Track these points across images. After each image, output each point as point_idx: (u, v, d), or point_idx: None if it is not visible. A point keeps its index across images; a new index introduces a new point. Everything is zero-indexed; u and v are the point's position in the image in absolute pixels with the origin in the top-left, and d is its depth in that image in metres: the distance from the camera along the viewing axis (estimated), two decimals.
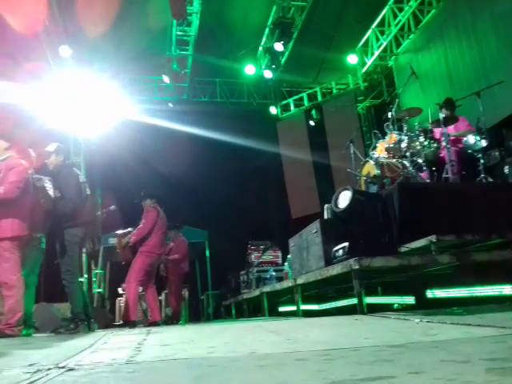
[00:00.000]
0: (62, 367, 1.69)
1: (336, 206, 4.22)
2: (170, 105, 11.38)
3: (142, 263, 5.85)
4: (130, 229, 6.17)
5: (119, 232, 6.08)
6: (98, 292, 9.21)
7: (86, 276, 8.52)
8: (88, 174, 9.20)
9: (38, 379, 1.48)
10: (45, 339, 3.94)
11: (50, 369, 1.66)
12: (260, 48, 10.97)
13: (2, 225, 3.98)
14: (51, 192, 4.46)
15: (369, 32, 10.83)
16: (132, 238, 5.87)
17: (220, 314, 10.45)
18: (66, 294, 4.69)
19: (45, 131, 4.03)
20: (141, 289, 6.22)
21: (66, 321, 4.70)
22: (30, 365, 1.79)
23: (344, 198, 4.16)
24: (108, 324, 6.44)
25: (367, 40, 11.04)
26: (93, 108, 9.36)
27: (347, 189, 4.19)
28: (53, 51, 8.57)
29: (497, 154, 5.57)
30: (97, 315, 6.11)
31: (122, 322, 5.81)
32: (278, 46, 9.96)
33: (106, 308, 8.80)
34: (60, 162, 4.78)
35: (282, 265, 8.54)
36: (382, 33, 10.52)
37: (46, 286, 6.31)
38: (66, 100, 8.96)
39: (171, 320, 7.63)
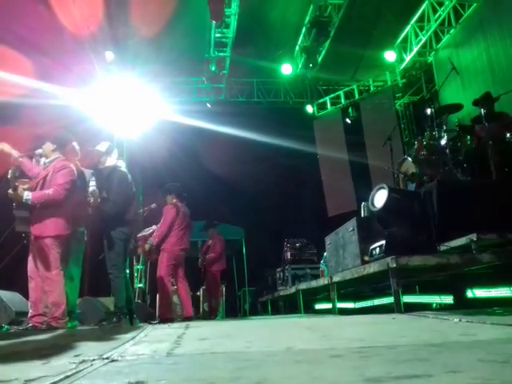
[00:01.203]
0: (106, 358, 1.76)
1: (373, 205, 4.17)
2: (208, 105, 11.53)
3: (166, 260, 5.86)
4: (153, 227, 6.19)
5: (140, 235, 6.09)
6: (139, 287, 9.43)
7: (128, 271, 8.75)
8: (130, 173, 9.45)
9: (84, 369, 1.54)
10: (89, 331, 4.09)
11: (94, 360, 1.73)
12: (297, 47, 10.92)
13: (47, 223, 4.13)
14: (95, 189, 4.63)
15: (408, 28, 10.59)
16: (154, 240, 5.87)
17: (256, 310, 10.51)
18: (109, 288, 4.82)
19: (92, 132, 4.17)
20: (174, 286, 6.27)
21: (109, 314, 4.84)
22: (76, 355, 1.87)
23: (380, 197, 4.10)
24: (148, 318, 6.58)
25: (406, 36, 10.80)
26: (134, 110, 9.61)
27: (383, 187, 4.12)
28: (98, 56, 8.85)
29: None
30: (138, 310, 6.25)
31: (159, 320, 5.85)
32: (313, 44, 9.88)
33: (146, 303, 9.00)
34: (111, 162, 4.93)
35: (318, 262, 8.50)
36: (422, 28, 10.27)
37: (91, 281, 6.50)
38: (110, 102, 9.25)
39: (208, 315, 7.72)
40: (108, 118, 9.32)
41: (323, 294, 6.13)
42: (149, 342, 2.48)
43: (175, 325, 4.38)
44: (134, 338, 2.64)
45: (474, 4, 9.00)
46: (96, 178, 4.86)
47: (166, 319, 5.50)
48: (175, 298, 6.83)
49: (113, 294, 4.82)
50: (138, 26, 8.21)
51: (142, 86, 9.68)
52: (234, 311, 10.51)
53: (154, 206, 6.18)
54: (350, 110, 12.15)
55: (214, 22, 8.66)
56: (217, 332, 2.93)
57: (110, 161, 4.94)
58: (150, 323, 5.26)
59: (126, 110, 9.54)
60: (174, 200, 6.18)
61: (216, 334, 2.73)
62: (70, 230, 4.29)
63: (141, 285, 9.56)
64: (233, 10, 9.01)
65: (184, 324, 4.09)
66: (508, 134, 5.53)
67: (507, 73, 7.93)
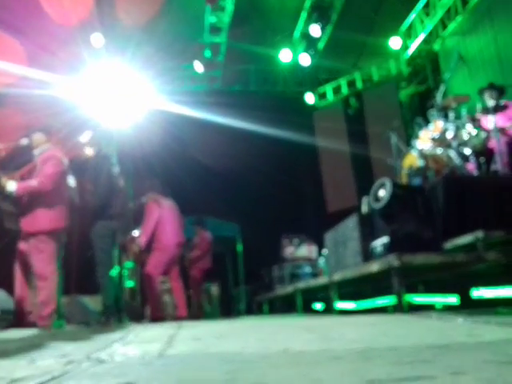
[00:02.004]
0: (94, 359, 1.76)
1: (375, 200, 4.18)
2: (202, 95, 11.48)
3: (158, 258, 5.86)
4: (136, 231, 6.19)
5: (129, 237, 6.07)
6: (129, 286, 9.43)
7: (117, 269, 8.75)
8: (120, 165, 9.45)
9: (71, 370, 1.55)
10: (76, 331, 4.10)
11: (82, 360, 1.73)
12: (297, 33, 10.88)
13: (40, 217, 4.13)
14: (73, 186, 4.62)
15: (413, 15, 10.57)
16: (141, 241, 5.87)
17: (252, 310, 10.54)
18: (98, 286, 4.83)
19: (80, 121, 4.16)
20: (167, 284, 6.26)
21: (97, 313, 4.85)
22: (63, 356, 1.88)
23: (383, 193, 4.11)
24: (138, 318, 6.58)
25: (411, 23, 10.78)
26: (125, 98, 9.56)
27: (386, 182, 4.13)
28: (87, 41, 8.80)
29: None
30: (127, 309, 6.25)
31: (149, 320, 5.85)
32: (315, 30, 9.86)
33: (136, 302, 9.00)
34: (92, 153, 4.91)
35: (317, 260, 8.53)
36: (428, 15, 10.26)
37: (79, 278, 6.50)
38: (99, 90, 9.20)
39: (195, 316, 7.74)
40: (97, 106, 9.27)
41: (322, 293, 6.15)
42: (139, 342, 2.49)
43: (167, 325, 4.39)
44: (123, 338, 2.65)
45: None
46: (79, 170, 4.84)
47: (156, 319, 5.51)
48: (167, 297, 6.84)
49: (100, 292, 4.82)
50: (130, 8, 8.17)
51: (133, 73, 9.63)
52: (228, 311, 10.54)
53: (144, 199, 6.18)
54: (351, 100, 12.14)
55: (210, 4, 8.62)
56: (211, 332, 2.95)
57: (90, 151, 4.91)
58: (140, 323, 5.27)
59: (116, 98, 9.48)
60: (155, 196, 6.15)
61: (210, 335, 2.74)
62: (65, 222, 4.28)
63: (131, 283, 9.56)
64: None
65: (176, 324, 4.10)
66: None
67: None
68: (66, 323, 4.72)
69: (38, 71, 7.75)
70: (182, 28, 9.44)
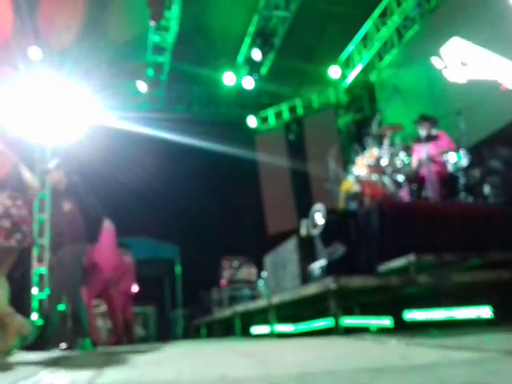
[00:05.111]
0: None
1: (312, 225, 4.26)
2: (145, 112, 11.32)
3: (93, 280, 5.75)
4: None
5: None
6: (60, 309, 8.95)
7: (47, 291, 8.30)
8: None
9: None
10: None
11: None
12: (240, 57, 11.04)
13: None
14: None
15: (351, 46, 11.05)
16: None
17: (190, 334, 10.31)
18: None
19: (9, 140, 3.94)
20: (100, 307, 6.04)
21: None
22: None
23: (318, 218, 4.20)
24: (69, 344, 6.24)
25: (350, 54, 11.26)
26: (62, 114, 9.22)
27: (320, 209, 4.23)
28: (21, 54, 8.45)
29: (477, 173, 5.71)
30: (58, 334, 5.90)
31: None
32: (257, 55, 10.07)
33: (66, 327, 8.55)
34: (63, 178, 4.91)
35: (257, 283, 8.51)
36: (365, 46, 10.76)
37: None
38: (33, 105, 8.83)
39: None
40: (31, 123, 8.87)
41: (261, 316, 6.13)
42: (68, 370, 2.35)
43: (98, 350, 4.20)
44: (46, 366, 2.49)
45: (416, 26, 9.56)
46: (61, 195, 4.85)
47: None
48: (100, 321, 6.56)
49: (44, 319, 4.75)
50: (63, 20, 7.95)
51: (72, 88, 9.32)
52: (165, 335, 10.26)
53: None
54: (292, 125, 12.43)
55: (153, 22, 8.56)
56: (145, 359, 2.84)
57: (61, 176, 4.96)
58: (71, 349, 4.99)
59: (53, 114, 9.12)
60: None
61: (144, 361, 2.63)
62: None
63: (62, 306, 9.09)
64: (173, 14, 8.96)
65: (109, 349, 3.92)
66: (445, 156, 5.88)
67: (446, 96, 8.46)
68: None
69: None
70: (124, 45, 9.29)
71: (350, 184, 5.82)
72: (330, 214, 4.08)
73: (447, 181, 5.81)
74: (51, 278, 5.20)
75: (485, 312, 3.77)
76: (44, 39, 8.56)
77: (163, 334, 10.12)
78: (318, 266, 4.13)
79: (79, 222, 4.76)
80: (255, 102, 12.63)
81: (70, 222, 4.72)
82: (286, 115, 12.63)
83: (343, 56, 11.42)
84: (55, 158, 5.14)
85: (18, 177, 3.84)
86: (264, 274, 7.08)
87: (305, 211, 5.53)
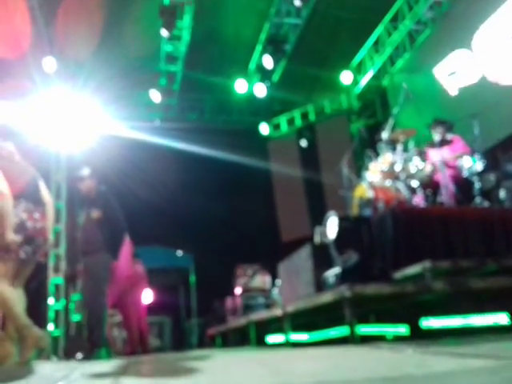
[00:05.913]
0: None
1: (326, 233, 4.26)
2: (157, 122, 11.44)
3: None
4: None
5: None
6: (76, 320, 9.03)
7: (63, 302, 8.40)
8: (69, 192, 9.24)
9: None
10: (16, 368, 3.85)
11: None
12: (252, 65, 11.10)
13: None
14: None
15: (363, 51, 11.05)
16: None
17: (204, 343, 10.31)
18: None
19: (26, 151, 4.02)
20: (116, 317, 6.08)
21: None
22: None
23: (332, 226, 4.20)
24: (86, 355, 6.29)
25: (361, 59, 11.26)
26: (77, 124, 9.38)
27: (333, 216, 4.23)
28: (37, 65, 8.61)
29: (492, 177, 5.66)
30: (73, 345, 5.96)
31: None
32: (268, 62, 10.11)
33: (83, 336, 8.61)
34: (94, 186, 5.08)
35: (271, 291, 8.49)
36: (377, 51, 10.75)
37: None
38: (49, 116, 9.00)
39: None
40: (47, 132, 9.04)
41: (276, 324, 6.11)
42: (85, 380, 2.38)
43: (115, 361, 4.22)
44: (67, 376, 2.52)
45: (428, 30, 9.54)
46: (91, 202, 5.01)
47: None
48: (115, 331, 6.61)
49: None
50: (79, 34, 8.09)
51: (86, 99, 9.48)
52: (180, 345, 10.28)
53: None
54: (305, 132, 12.44)
55: (166, 32, 8.66)
56: (161, 369, 2.86)
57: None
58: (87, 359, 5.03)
59: (68, 124, 9.29)
60: None
61: (160, 371, 2.65)
62: None
63: (77, 317, 9.18)
64: (185, 23, 9.06)
65: (125, 360, 3.95)
66: (460, 160, 5.84)
67: (459, 99, 8.41)
68: None
69: None
70: (137, 55, 9.42)
71: (363, 190, 5.80)
72: (343, 221, 4.08)
73: (462, 185, 5.76)
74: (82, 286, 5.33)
75: (502, 319, 3.72)
76: (60, 51, 8.72)
77: (178, 343, 10.14)
78: (332, 273, 4.12)
79: (105, 232, 4.84)
80: (267, 109, 12.66)
81: (98, 231, 4.81)
82: (298, 122, 12.64)
83: (355, 61, 11.43)
84: (86, 167, 5.29)
85: (35, 189, 3.90)
86: (278, 282, 7.06)
87: (318, 217, 5.53)
